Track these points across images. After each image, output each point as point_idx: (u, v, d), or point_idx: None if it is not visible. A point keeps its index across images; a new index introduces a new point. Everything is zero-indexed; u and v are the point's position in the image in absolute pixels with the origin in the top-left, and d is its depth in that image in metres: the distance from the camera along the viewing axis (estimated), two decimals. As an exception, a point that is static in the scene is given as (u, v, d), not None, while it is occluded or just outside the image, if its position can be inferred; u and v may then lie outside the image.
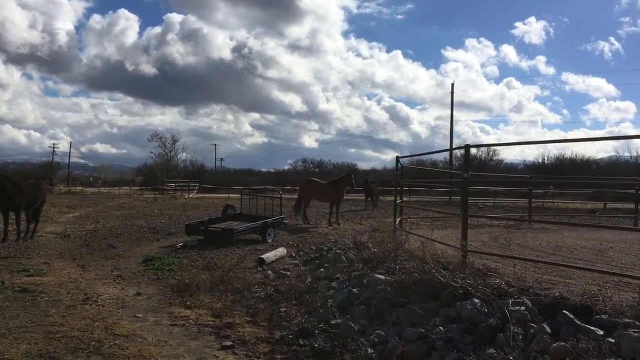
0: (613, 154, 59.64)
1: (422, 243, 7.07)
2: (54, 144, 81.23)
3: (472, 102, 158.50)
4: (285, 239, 14.12)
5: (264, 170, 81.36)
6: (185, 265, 10.10)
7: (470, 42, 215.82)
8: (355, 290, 6.44)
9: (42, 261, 10.20)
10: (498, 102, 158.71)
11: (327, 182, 18.85)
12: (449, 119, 44.80)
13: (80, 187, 58.92)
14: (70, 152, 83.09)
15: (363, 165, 70.23)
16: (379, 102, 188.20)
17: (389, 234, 9.75)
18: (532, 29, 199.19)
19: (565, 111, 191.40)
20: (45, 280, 8.45)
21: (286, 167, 78.03)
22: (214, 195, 43.06)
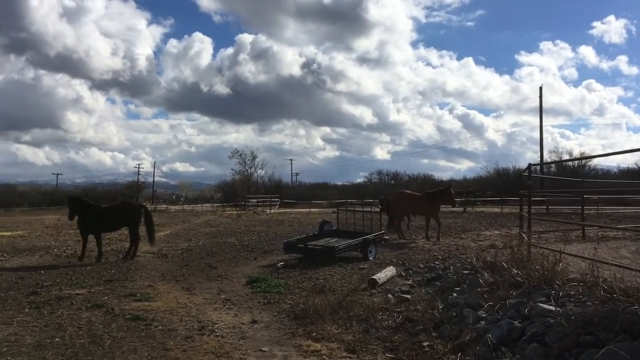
0: None
1: (589, 264, 5.89)
2: (138, 164, 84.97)
3: (549, 107, 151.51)
4: (387, 255, 13.22)
5: (339, 183, 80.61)
6: (292, 287, 9.43)
7: (545, 45, 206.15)
8: (516, 322, 5.38)
9: (147, 284, 9.86)
10: (578, 105, 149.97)
11: (421, 195, 17.78)
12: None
13: (165, 205, 61.00)
14: (154, 171, 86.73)
15: (440, 176, 67.54)
16: (451, 111, 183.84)
17: (520, 250, 8.51)
18: (612, 28, 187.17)
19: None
20: (154, 305, 8.00)
21: (360, 180, 76.78)
22: (294, 210, 42.80)
